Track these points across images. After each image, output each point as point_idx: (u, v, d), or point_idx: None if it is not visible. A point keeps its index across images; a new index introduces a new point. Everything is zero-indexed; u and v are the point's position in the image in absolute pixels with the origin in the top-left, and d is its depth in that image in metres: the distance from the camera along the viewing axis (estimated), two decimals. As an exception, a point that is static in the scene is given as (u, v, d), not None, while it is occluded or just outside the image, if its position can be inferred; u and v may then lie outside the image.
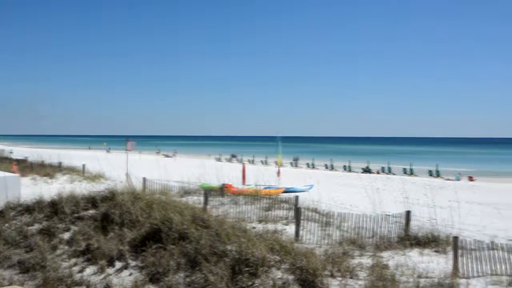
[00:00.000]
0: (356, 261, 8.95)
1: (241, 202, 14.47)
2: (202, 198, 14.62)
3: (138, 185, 17.07)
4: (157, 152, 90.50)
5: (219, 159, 75.78)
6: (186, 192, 17.04)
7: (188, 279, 8.81)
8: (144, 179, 18.38)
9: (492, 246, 9.46)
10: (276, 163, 42.01)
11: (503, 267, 8.73)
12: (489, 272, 8.66)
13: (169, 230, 10.09)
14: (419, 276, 8.00)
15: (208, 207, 13.79)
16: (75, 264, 10.39)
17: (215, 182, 19.58)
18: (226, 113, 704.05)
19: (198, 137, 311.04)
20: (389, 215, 11.74)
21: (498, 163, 74.53)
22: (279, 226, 12.06)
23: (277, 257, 8.71)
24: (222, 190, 16.28)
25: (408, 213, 11.23)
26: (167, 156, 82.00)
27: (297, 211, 11.75)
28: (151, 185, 17.99)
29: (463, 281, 8.09)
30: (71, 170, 25.41)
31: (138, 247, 10.25)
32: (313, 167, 64.32)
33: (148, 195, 13.15)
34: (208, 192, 14.91)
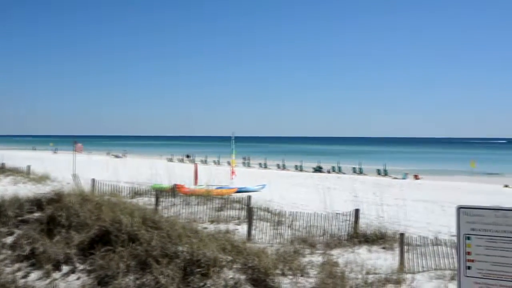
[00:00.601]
0: (307, 259, 9.06)
1: (193, 203, 14.36)
2: (153, 199, 14.41)
3: (86, 187, 16.59)
4: (108, 153, 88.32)
5: (170, 160, 74.95)
6: (137, 193, 16.73)
7: (138, 282, 8.64)
8: (93, 180, 17.90)
9: (436, 242, 9.85)
10: (229, 163, 41.99)
11: (446, 262, 9.11)
12: (433, 267, 9.01)
13: (118, 232, 9.85)
14: (368, 273, 8.20)
15: (159, 208, 13.61)
16: (19, 269, 9.96)
17: (166, 183, 19.33)
18: (179, 113, 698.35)
19: (150, 137, 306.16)
20: (339, 214, 11.98)
21: (442, 162, 77.70)
22: (231, 226, 12.06)
23: (229, 257, 8.69)
24: (174, 190, 16.10)
25: (357, 211, 11.50)
26: (117, 156, 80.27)
27: (249, 210, 11.79)
28: (100, 186, 17.54)
29: (408, 276, 8.35)
30: (14, 171, 24.33)
31: (86, 250, 9.95)
32: (266, 167, 64.78)
33: (97, 197, 12.81)
34: (159, 192, 14.72)
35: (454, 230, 4.66)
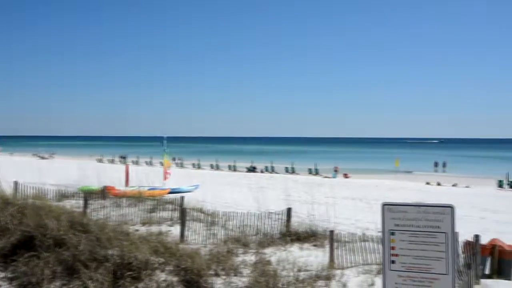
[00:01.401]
0: (240, 258, 9.11)
1: (124, 205, 14.00)
2: (81, 202, 13.89)
3: (8, 190, 15.68)
4: (34, 154, 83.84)
5: (100, 160, 72.65)
6: (64, 196, 16.07)
7: (65, 288, 8.30)
8: (16, 183, 16.95)
9: (364, 238, 10.22)
10: (161, 163, 41.30)
11: (373, 257, 9.48)
12: (361, 262, 9.35)
13: (43, 237, 9.39)
14: (299, 270, 8.37)
15: (88, 210, 13.15)
16: None
17: (96, 185, 18.70)
18: (110, 112, 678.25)
19: (79, 137, 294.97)
20: (272, 213, 12.12)
21: (371, 161, 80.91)
22: (164, 228, 11.88)
23: (161, 259, 8.56)
24: (104, 192, 15.60)
25: (289, 210, 11.69)
26: (43, 157, 76.58)
27: (183, 211, 11.66)
28: (24, 189, 16.65)
29: (338, 271, 8.63)
30: None
31: (8, 256, 9.41)
32: (199, 167, 64.41)
33: (20, 200, 12.15)
34: (88, 195, 14.21)
35: (380, 226, 4.85)
